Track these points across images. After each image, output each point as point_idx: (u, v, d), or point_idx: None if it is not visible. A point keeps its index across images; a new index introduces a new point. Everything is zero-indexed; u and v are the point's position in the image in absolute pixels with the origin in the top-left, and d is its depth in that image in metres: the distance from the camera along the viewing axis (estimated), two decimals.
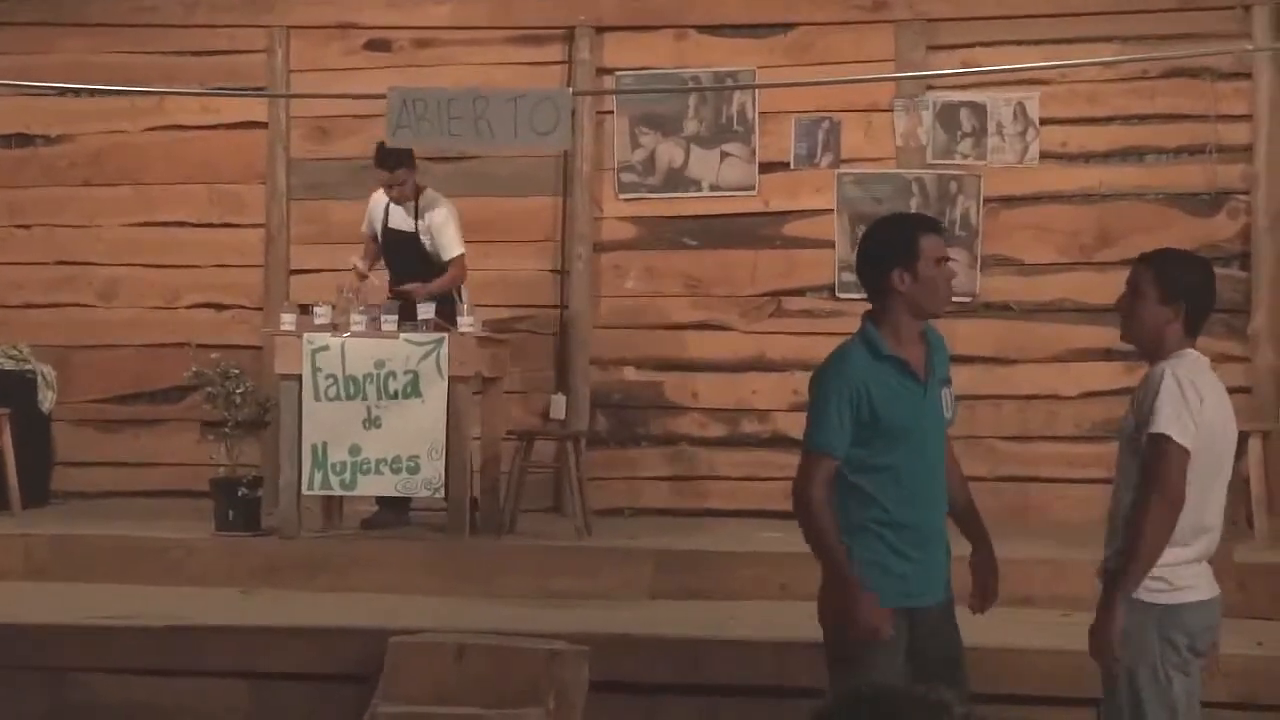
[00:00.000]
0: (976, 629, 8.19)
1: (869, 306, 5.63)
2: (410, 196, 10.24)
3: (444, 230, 10.21)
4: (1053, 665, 7.74)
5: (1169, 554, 5.26)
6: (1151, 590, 5.27)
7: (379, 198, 10.38)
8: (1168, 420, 5.25)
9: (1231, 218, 10.91)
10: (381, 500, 10.14)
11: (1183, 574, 5.31)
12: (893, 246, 5.56)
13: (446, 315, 9.98)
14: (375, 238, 10.44)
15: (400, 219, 10.28)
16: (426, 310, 9.75)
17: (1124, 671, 5.31)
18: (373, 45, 11.72)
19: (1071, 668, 7.73)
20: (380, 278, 10.36)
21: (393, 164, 10.02)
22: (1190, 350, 5.45)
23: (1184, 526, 5.29)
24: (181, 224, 11.88)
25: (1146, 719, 5.28)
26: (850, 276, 11.13)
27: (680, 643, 8.05)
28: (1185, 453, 5.26)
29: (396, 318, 9.69)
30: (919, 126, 11.15)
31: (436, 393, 9.59)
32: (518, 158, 10.92)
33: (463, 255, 10.23)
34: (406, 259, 10.22)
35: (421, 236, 10.22)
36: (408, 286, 9.98)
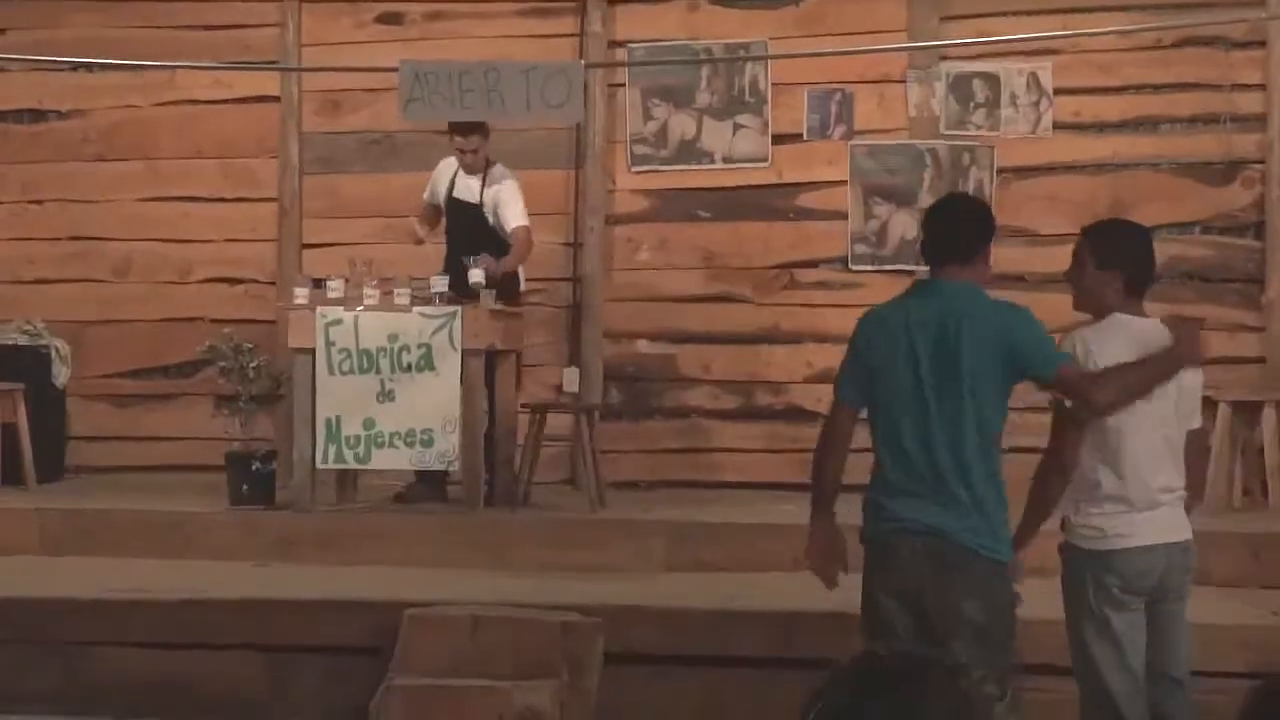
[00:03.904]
0: None
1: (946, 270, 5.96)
2: (481, 167, 10.21)
3: (510, 203, 10.16)
4: (1064, 635, 7.73)
5: (1102, 506, 5.82)
6: (1086, 538, 5.84)
7: (446, 165, 10.36)
8: None
9: (1246, 187, 10.87)
10: (421, 474, 10.13)
11: (1114, 524, 5.80)
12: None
13: (510, 289, 10.07)
14: (437, 206, 10.41)
15: (466, 189, 10.25)
16: (477, 275, 9.74)
17: (1069, 616, 5.91)
18: (384, 19, 11.69)
19: None
20: (437, 251, 10.35)
21: (467, 129, 9.99)
22: (1117, 315, 5.92)
23: (1111, 480, 5.81)
24: (194, 199, 11.88)
25: (1093, 655, 5.83)
26: (864, 248, 11.13)
27: (694, 615, 8.06)
28: (1068, 412, 5.90)
29: (409, 291, 9.69)
30: (932, 97, 11.13)
31: (450, 366, 9.58)
32: (530, 131, 10.90)
33: (527, 228, 10.20)
34: (467, 230, 10.17)
35: (485, 209, 10.20)
36: (477, 264, 9.86)
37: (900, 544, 5.74)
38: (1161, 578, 5.85)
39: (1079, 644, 5.90)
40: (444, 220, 10.40)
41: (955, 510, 5.71)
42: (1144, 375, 5.80)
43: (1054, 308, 10.94)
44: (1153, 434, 5.85)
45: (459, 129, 10.04)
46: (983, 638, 5.53)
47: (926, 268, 6.07)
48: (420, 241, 10.29)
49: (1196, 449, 6.10)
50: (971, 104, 11.10)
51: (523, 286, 10.44)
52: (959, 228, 5.99)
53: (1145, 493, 5.83)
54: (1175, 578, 5.90)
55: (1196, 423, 6.04)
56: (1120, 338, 5.89)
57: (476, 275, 9.74)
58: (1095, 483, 5.84)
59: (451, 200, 10.29)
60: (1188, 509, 6.04)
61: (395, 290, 9.69)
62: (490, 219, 10.19)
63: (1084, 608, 5.86)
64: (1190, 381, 5.95)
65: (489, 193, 10.20)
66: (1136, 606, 5.83)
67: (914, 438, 5.75)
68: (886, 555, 5.76)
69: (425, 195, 10.48)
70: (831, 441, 5.99)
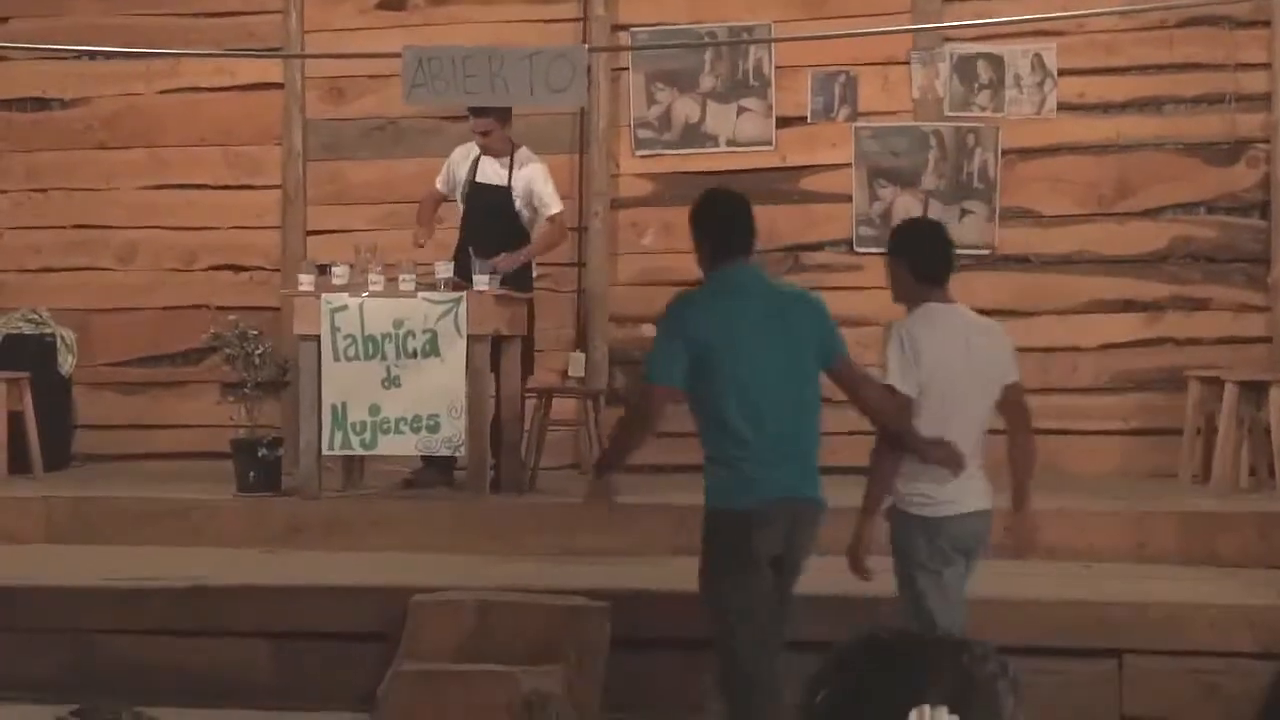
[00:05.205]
0: (999, 581, 8.23)
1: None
2: (505, 151, 10.18)
3: (545, 187, 10.17)
4: (1074, 616, 7.75)
5: (933, 475, 6.34)
6: (918, 505, 6.39)
7: (463, 152, 10.33)
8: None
9: (1251, 167, 10.86)
10: (428, 459, 10.13)
11: (944, 492, 6.35)
12: None
13: (523, 275, 10.09)
14: (449, 192, 10.39)
15: (493, 173, 10.21)
16: (482, 283, 9.69)
17: (901, 572, 6.42)
18: (386, 4, 11.67)
19: (1093, 619, 7.75)
20: (446, 237, 10.34)
21: (478, 111, 9.96)
22: (929, 305, 6.44)
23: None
24: (198, 186, 11.88)
25: (929, 606, 6.31)
26: (869, 231, 11.12)
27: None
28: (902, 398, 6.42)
29: (414, 277, 9.68)
30: (936, 79, 11.10)
31: (455, 351, 9.57)
32: (533, 115, 10.88)
33: (562, 214, 10.24)
34: (490, 214, 10.14)
35: (515, 193, 10.19)
36: (500, 260, 9.81)
37: (776, 509, 6.37)
38: (974, 538, 6.47)
39: (913, 596, 6.38)
40: (460, 207, 10.36)
41: (812, 476, 6.50)
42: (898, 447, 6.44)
43: (1059, 288, 11.02)
44: (965, 413, 6.41)
45: (472, 110, 10.03)
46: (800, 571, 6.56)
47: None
48: (420, 245, 10.22)
49: (1016, 400, 6.63)
50: (976, 85, 11.08)
51: (535, 272, 10.43)
52: (752, 222, 6.69)
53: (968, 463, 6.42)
54: (982, 540, 6.54)
55: (1013, 376, 6.59)
56: (935, 324, 6.43)
57: (481, 282, 9.70)
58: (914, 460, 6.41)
59: (474, 185, 10.25)
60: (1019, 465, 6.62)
61: (400, 276, 9.68)
62: (518, 203, 10.17)
63: (917, 565, 6.38)
64: (994, 351, 6.54)
65: (519, 175, 10.17)
66: (959, 562, 6.43)
67: (776, 414, 6.38)
68: (761, 521, 6.35)
69: (438, 184, 10.43)
70: (653, 421, 6.67)
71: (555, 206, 10.19)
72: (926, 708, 2.16)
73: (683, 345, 6.42)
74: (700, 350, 6.38)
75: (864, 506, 6.46)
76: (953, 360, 6.38)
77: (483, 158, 10.21)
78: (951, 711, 2.16)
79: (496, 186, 10.18)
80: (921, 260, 6.50)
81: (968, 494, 6.40)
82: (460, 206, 10.36)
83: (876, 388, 6.49)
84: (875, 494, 6.46)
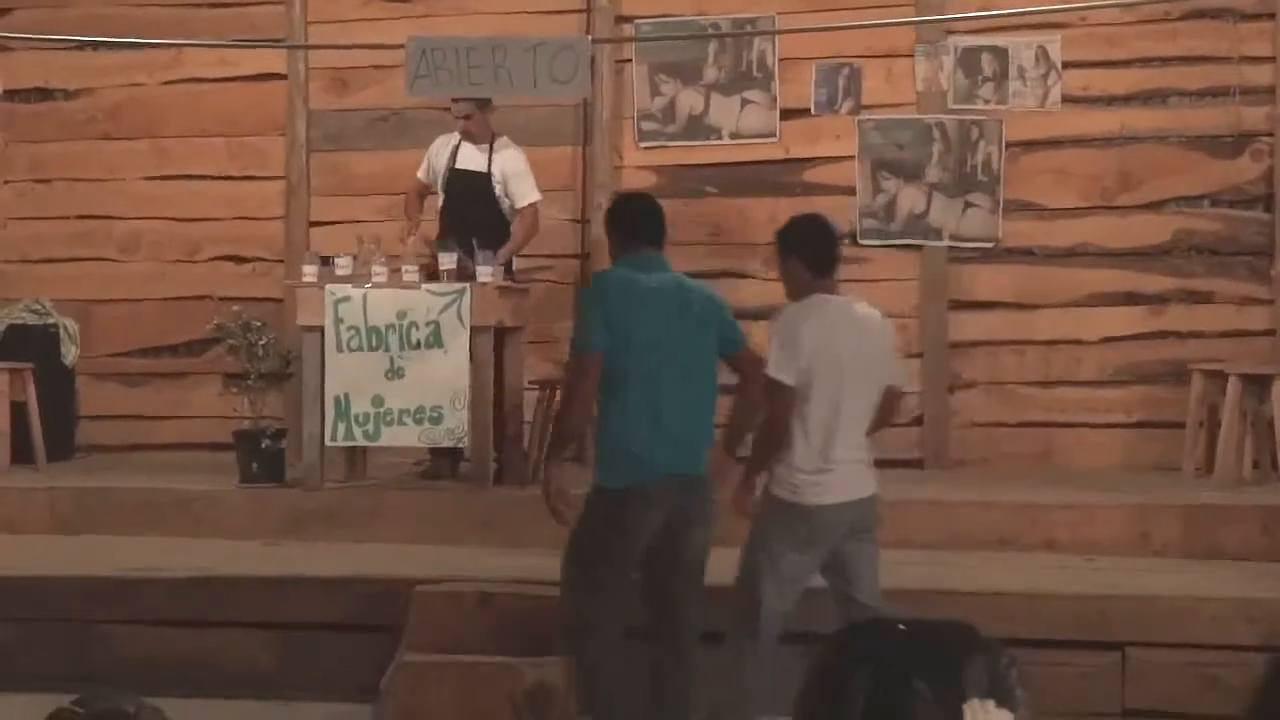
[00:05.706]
0: (1002, 574, 8.23)
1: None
2: (485, 138, 10.22)
3: (522, 176, 10.19)
4: (1076, 609, 7.75)
5: (801, 466, 6.61)
6: (787, 490, 6.66)
7: (443, 141, 10.36)
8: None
9: (1255, 160, 10.85)
10: (435, 451, 10.14)
11: (805, 481, 6.61)
12: None
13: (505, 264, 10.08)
14: (431, 182, 10.41)
15: (472, 159, 10.24)
16: (485, 275, 9.69)
17: (750, 542, 6.75)
18: None
19: (1095, 612, 7.75)
20: (430, 230, 10.35)
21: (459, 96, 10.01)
22: (816, 295, 6.73)
23: (802, 445, 6.61)
24: (201, 177, 11.88)
25: (760, 580, 6.66)
26: (872, 223, 11.12)
27: None
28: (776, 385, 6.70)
29: (417, 269, 9.67)
30: (940, 71, 11.10)
31: (458, 343, 9.57)
32: (537, 107, 10.88)
33: (536, 204, 10.25)
34: (471, 201, 10.14)
35: (494, 179, 10.21)
36: (484, 261, 9.82)
37: (660, 487, 6.63)
38: (849, 527, 6.68)
39: (751, 567, 6.70)
40: (440, 198, 10.36)
41: (699, 456, 6.75)
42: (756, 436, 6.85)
43: (1062, 281, 11.01)
44: (855, 398, 6.67)
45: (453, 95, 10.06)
46: (705, 557, 6.81)
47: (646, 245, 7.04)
48: (404, 241, 10.21)
49: (890, 401, 6.92)
50: (979, 78, 11.07)
51: (514, 265, 10.41)
52: (661, 220, 7.06)
53: (828, 457, 6.63)
54: (860, 524, 6.72)
55: (893, 379, 6.90)
56: (824, 313, 6.70)
57: (485, 273, 9.69)
58: (792, 446, 6.65)
59: (455, 172, 10.27)
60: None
61: (404, 267, 9.68)
62: (498, 189, 10.19)
63: (764, 542, 6.67)
64: (879, 344, 6.82)
65: (498, 160, 10.19)
66: (813, 553, 6.67)
67: (678, 398, 6.67)
68: (645, 501, 6.63)
69: (420, 173, 10.46)
70: (592, 393, 6.80)
71: (531, 196, 10.21)
72: (975, 701, 2.12)
73: (603, 315, 6.72)
74: (615, 320, 6.69)
75: (743, 478, 6.80)
76: (841, 346, 6.64)
77: (463, 145, 10.24)
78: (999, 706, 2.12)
79: (476, 172, 10.20)
80: (814, 253, 6.79)
81: (845, 483, 6.64)
82: (440, 195, 10.37)
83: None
84: (754, 468, 6.78)
